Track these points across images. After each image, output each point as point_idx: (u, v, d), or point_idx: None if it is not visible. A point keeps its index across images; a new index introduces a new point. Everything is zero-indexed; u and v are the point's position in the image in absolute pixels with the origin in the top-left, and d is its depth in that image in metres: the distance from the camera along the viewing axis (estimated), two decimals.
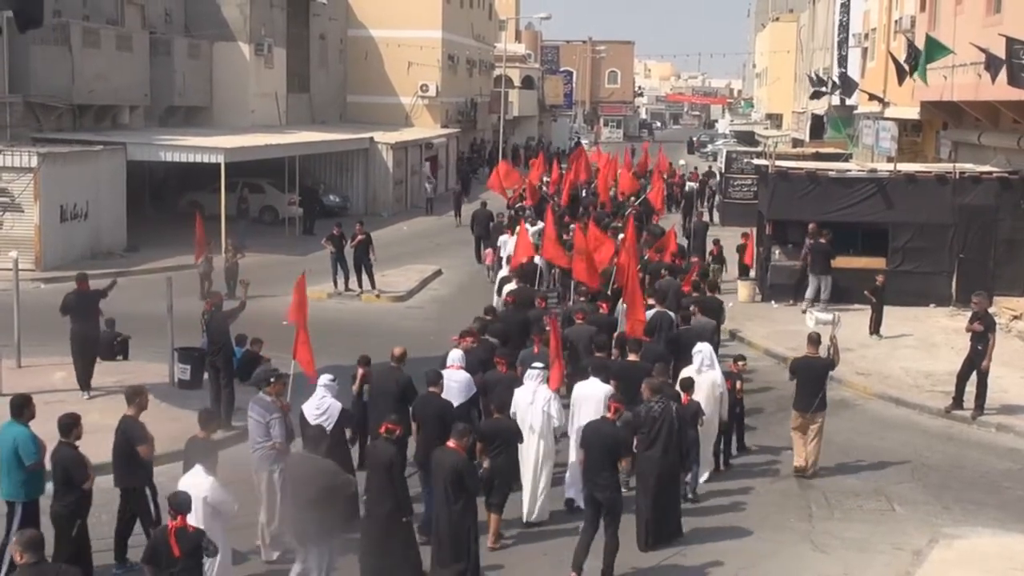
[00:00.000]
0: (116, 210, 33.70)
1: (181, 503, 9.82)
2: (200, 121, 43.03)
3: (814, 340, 16.50)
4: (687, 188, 46.84)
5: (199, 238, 27.87)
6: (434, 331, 23.28)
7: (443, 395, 13.58)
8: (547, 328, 16.65)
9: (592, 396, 14.07)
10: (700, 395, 15.09)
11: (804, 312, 25.86)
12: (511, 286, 22.00)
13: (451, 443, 11.74)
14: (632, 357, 15.80)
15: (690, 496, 14.77)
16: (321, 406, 13.23)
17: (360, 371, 15.20)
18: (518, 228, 26.97)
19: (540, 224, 27.79)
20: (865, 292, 24.72)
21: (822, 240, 26.48)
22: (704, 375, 15.48)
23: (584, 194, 39.95)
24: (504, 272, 24.59)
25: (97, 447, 15.78)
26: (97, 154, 33.01)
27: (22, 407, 12.11)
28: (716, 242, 30.85)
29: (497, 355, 15.56)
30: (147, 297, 23.05)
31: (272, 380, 13.11)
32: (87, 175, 32.09)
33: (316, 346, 22.65)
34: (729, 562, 13.19)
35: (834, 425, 18.64)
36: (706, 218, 39.74)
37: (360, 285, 28.93)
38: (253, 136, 39.60)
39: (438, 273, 32.50)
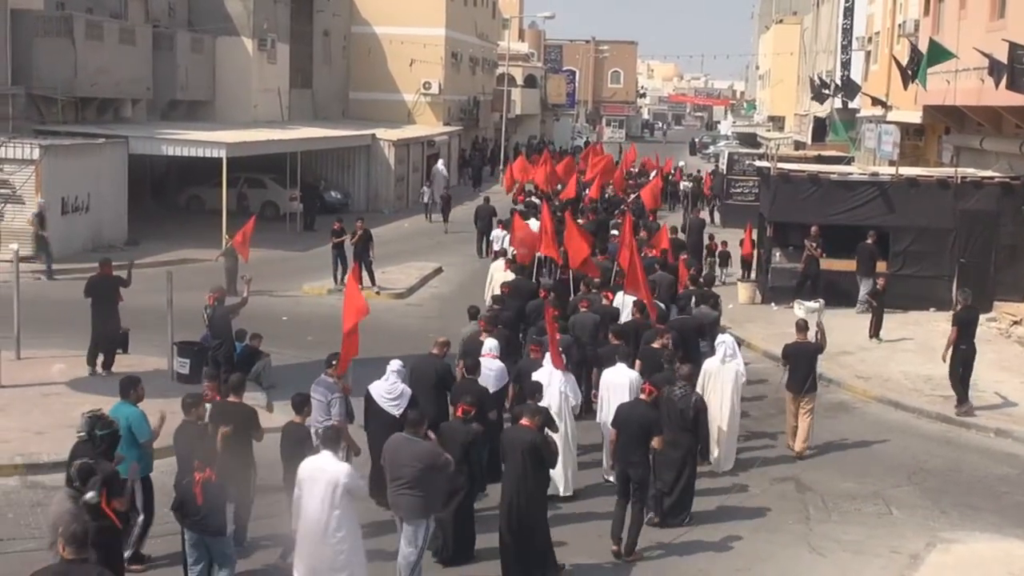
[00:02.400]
0: (117, 203, 33.70)
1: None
2: (202, 116, 43.01)
3: (802, 327, 17.55)
4: (681, 187, 47.28)
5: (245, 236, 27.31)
6: (434, 328, 23.25)
7: (480, 381, 14.35)
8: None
9: (619, 382, 14.83)
10: (726, 384, 16.02)
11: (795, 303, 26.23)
12: (504, 276, 22.66)
13: (524, 421, 12.29)
14: (655, 344, 16.55)
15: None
16: (393, 391, 13.76)
17: None
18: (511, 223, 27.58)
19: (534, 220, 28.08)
20: (866, 295, 24.75)
21: (868, 241, 26.48)
22: (728, 365, 16.16)
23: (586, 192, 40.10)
24: (497, 264, 25.32)
25: None
26: (99, 147, 33.00)
27: (130, 387, 12.52)
28: (712, 237, 31.76)
29: (531, 343, 16.28)
30: (147, 291, 23.01)
31: (333, 363, 13.72)
32: (89, 168, 32.09)
33: (317, 342, 22.82)
34: (725, 564, 13.19)
35: (833, 428, 18.71)
36: (704, 215, 40.00)
37: (360, 281, 28.88)
38: (255, 131, 39.61)
39: (439, 271, 32.51)
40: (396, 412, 13.52)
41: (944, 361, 19.41)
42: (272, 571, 12.29)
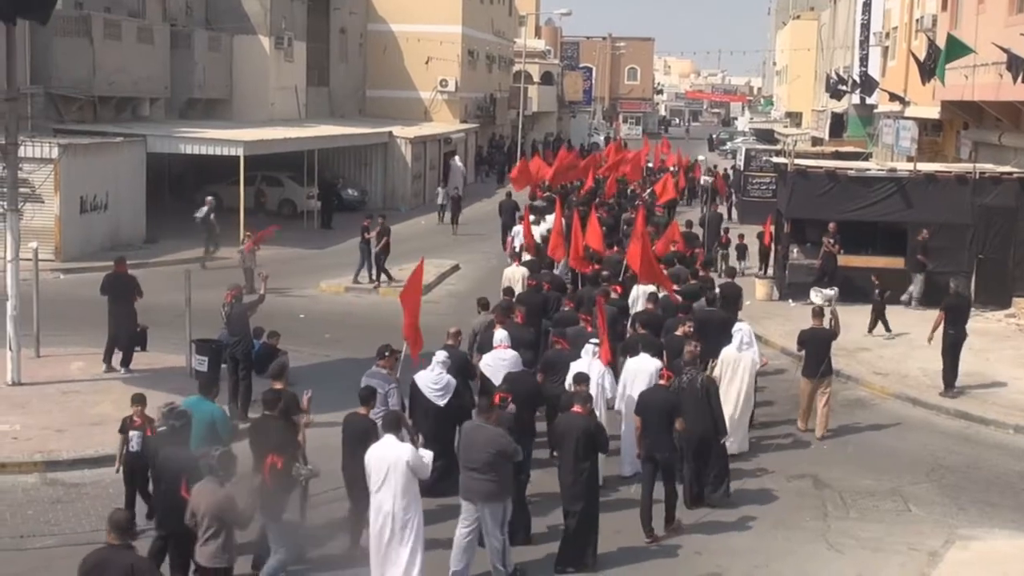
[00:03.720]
0: (135, 202, 33.82)
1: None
2: (220, 114, 43.12)
3: (818, 313, 18.30)
4: (702, 182, 47.25)
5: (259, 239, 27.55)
6: (452, 325, 23.28)
7: (493, 372, 14.87)
8: (565, 308, 18.78)
9: (643, 370, 15.13)
10: (744, 373, 16.47)
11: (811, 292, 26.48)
12: (516, 270, 22.97)
13: (577, 408, 12.69)
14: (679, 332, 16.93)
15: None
16: (439, 381, 14.24)
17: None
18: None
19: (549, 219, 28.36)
20: (876, 292, 24.67)
21: (919, 238, 26.38)
22: (744, 353, 16.58)
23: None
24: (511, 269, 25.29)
25: (104, 437, 15.99)
26: (117, 146, 33.12)
27: (210, 386, 13.33)
28: (726, 231, 32.48)
29: (555, 335, 16.72)
30: (165, 289, 23.11)
31: (387, 354, 14.13)
32: (107, 167, 32.21)
33: (334, 339, 22.89)
34: (743, 560, 13.19)
35: (851, 424, 18.69)
36: (721, 210, 40.04)
37: (377, 278, 29.06)
38: (272, 129, 39.68)
39: (455, 268, 32.53)
40: (441, 402, 14.16)
41: (929, 343, 20.36)
42: (345, 556, 12.59)
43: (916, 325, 23.57)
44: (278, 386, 13.14)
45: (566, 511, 12.70)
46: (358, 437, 12.29)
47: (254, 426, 12.57)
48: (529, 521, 13.37)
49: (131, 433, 12.96)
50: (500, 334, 16.05)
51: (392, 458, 11.27)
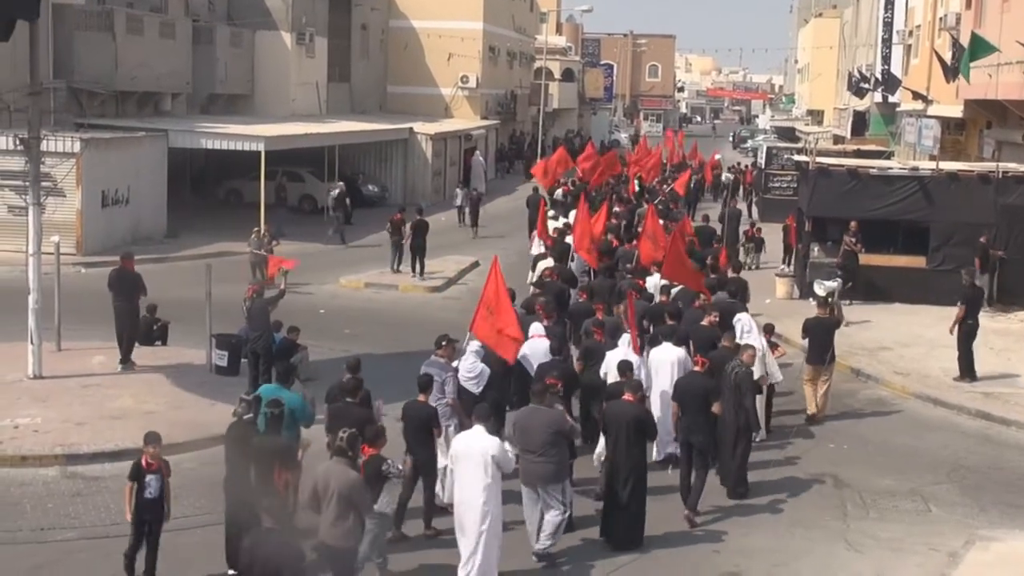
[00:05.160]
0: (157, 196, 33.91)
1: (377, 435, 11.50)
2: (241, 109, 43.22)
3: (822, 302, 19.34)
4: (723, 179, 47.34)
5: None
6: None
7: (530, 361, 15.47)
8: (579, 299, 19.73)
9: (667, 359, 15.85)
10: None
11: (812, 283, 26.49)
12: (547, 262, 23.67)
13: (627, 396, 13.21)
14: (703, 323, 17.52)
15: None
16: (473, 370, 14.70)
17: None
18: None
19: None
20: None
21: (982, 240, 26.14)
22: (745, 342, 16.67)
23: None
24: (537, 250, 26.39)
25: (124, 431, 16.06)
26: (139, 140, 33.24)
27: (288, 374, 13.48)
28: (752, 224, 32.37)
29: (594, 325, 16.96)
30: (186, 283, 23.16)
31: (444, 344, 14.39)
32: (129, 161, 32.31)
33: (354, 335, 22.91)
34: (763, 559, 13.15)
35: (871, 424, 18.63)
36: (740, 207, 40.14)
37: (412, 270, 29.89)
38: (293, 125, 39.75)
39: (475, 264, 32.52)
40: (476, 390, 14.57)
41: (951, 334, 20.78)
42: (419, 541, 12.91)
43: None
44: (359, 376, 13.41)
45: (614, 494, 13.10)
46: (421, 423, 12.84)
47: (333, 412, 12.88)
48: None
49: (148, 478, 11.41)
50: (535, 326, 16.47)
51: (480, 449, 11.63)
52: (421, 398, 13.10)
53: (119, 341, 19.42)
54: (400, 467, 11.92)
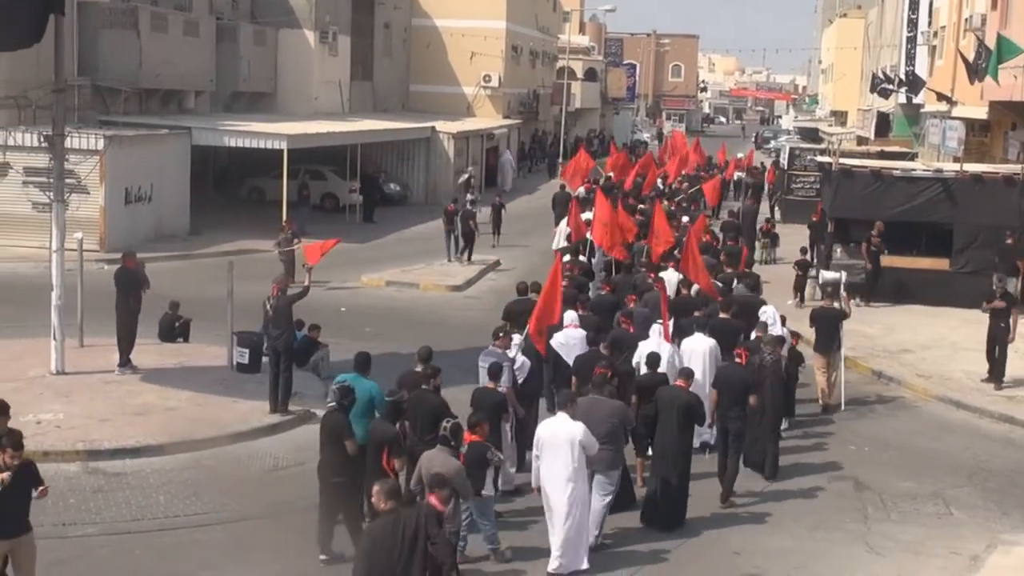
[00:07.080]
0: (180, 194, 34.02)
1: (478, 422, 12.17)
2: (264, 107, 43.32)
3: (829, 293, 19.92)
4: (735, 177, 47.64)
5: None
6: (493, 321, 23.31)
7: (566, 350, 16.07)
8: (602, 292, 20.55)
9: (698, 349, 16.53)
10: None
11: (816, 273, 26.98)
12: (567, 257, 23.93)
13: (680, 382, 14.06)
14: (724, 315, 17.99)
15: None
16: (515, 362, 14.97)
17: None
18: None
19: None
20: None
21: (1008, 241, 25.96)
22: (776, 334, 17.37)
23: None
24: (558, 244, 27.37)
25: (146, 428, 16.10)
26: (162, 138, 33.37)
27: (366, 363, 13.74)
28: (768, 220, 33.16)
29: (623, 315, 17.54)
30: (208, 281, 23.24)
31: (501, 335, 15.06)
32: (152, 158, 32.43)
33: (375, 333, 22.93)
34: (783, 561, 13.12)
35: (893, 426, 18.56)
36: (762, 206, 40.26)
37: (461, 254, 31.66)
38: (316, 123, 39.82)
39: (497, 263, 32.53)
40: (520, 379, 14.90)
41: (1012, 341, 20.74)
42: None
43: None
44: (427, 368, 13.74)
45: (661, 476, 13.67)
46: (493, 408, 13.42)
47: (411, 399, 13.12)
48: (632, 487, 14.30)
49: None
50: (570, 315, 16.92)
51: (566, 435, 12.04)
52: (490, 384, 13.75)
53: (119, 342, 19.17)
54: (501, 455, 12.42)
